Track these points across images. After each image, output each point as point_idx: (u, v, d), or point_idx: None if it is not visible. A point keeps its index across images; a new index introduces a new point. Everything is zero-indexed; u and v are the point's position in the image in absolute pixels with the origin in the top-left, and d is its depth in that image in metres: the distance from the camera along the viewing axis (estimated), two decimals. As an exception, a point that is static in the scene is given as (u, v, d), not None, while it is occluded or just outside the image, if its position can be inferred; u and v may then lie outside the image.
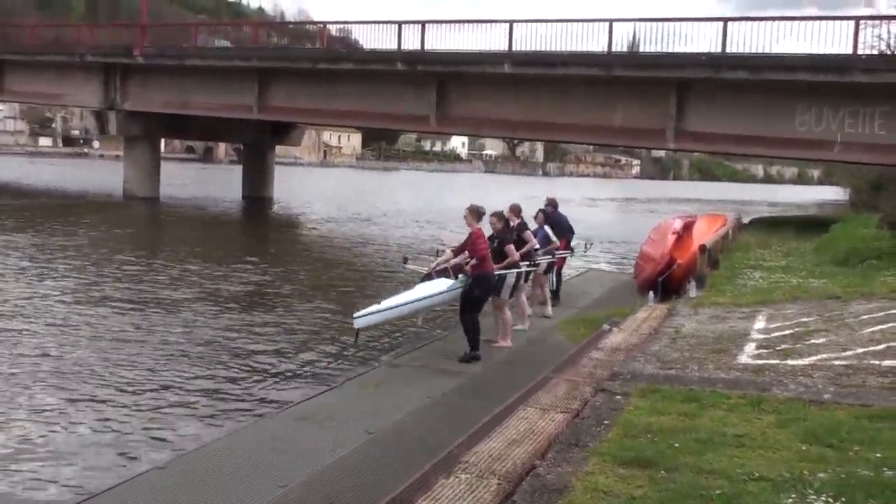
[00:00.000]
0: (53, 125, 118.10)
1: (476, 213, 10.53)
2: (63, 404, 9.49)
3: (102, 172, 63.23)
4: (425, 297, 10.59)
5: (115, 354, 11.69)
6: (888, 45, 31.40)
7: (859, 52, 24.43)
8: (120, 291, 16.65)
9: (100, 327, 13.40)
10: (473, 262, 10.38)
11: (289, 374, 11.25)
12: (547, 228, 13.49)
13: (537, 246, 12.42)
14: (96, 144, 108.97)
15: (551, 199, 15.02)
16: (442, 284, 10.76)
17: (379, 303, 10.19)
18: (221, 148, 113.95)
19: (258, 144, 47.24)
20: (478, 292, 10.45)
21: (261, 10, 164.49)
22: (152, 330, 13.31)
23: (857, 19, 25.01)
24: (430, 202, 53.48)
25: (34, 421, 8.93)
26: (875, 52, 27.71)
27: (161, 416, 9.26)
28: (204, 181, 63.33)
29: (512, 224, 11.77)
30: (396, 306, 10.30)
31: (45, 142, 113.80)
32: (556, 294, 14.82)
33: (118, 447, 8.31)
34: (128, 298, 15.93)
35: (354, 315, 9.97)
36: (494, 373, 9.84)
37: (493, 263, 10.58)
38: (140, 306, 15.24)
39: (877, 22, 29.74)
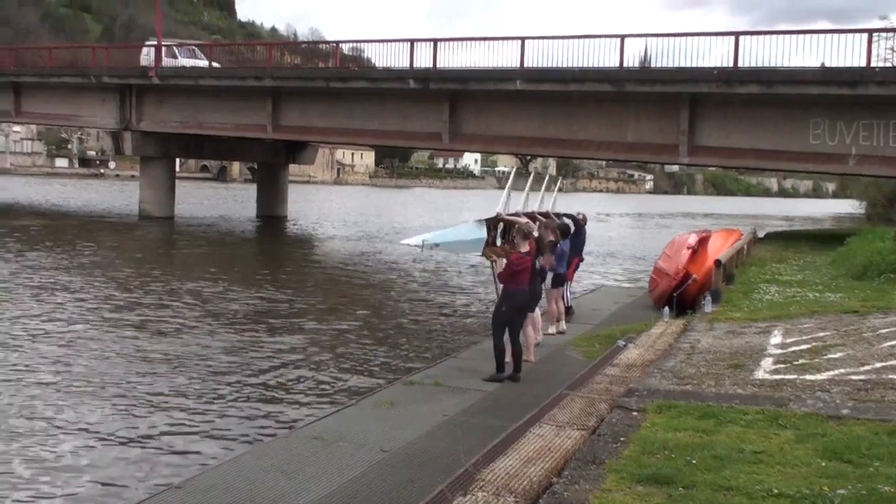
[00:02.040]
0: (70, 146, 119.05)
1: (521, 233, 10.59)
2: (78, 422, 9.52)
3: (118, 192, 63.68)
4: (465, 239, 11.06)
5: (129, 373, 11.74)
6: (902, 58, 31.31)
7: (873, 64, 24.35)
8: (136, 311, 16.73)
9: (114, 345, 13.46)
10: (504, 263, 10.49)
11: (304, 392, 11.26)
12: (564, 244, 13.31)
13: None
14: (112, 165, 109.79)
15: (582, 214, 15.08)
16: (477, 232, 11.12)
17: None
18: (236, 167, 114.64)
19: (272, 163, 47.50)
20: (504, 308, 10.42)
21: (274, 30, 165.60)
22: (166, 349, 13.35)
23: (870, 32, 24.95)
24: (443, 220, 53.51)
25: (49, 439, 8.96)
26: (889, 64, 27.63)
27: (176, 435, 9.28)
28: (219, 200, 63.59)
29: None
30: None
31: (61, 163, 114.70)
32: (567, 309, 14.82)
33: (133, 466, 8.33)
34: (142, 318, 16.01)
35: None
36: (509, 390, 9.82)
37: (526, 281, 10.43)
38: (154, 325, 15.31)
39: (890, 34, 29.71)
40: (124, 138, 41.86)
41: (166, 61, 42.27)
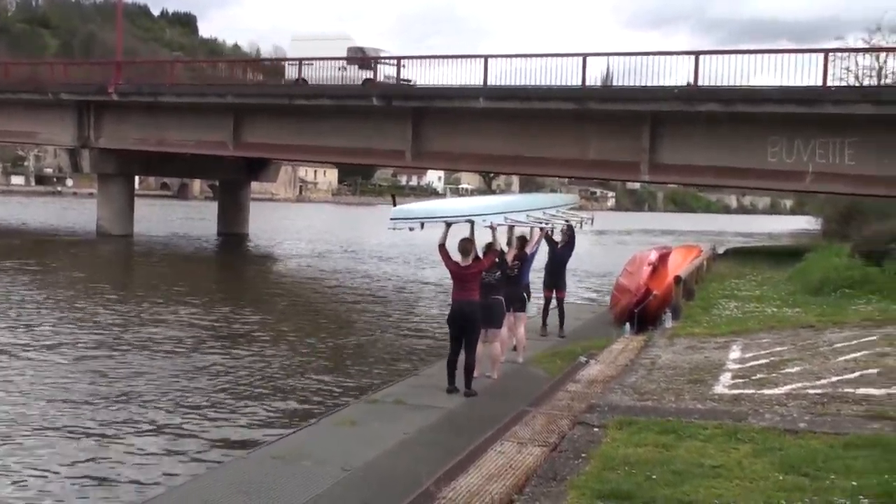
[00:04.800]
0: (26, 163, 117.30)
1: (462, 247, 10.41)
2: (22, 453, 9.32)
3: (76, 210, 62.85)
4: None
5: (82, 397, 11.54)
6: (856, 77, 31.97)
7: (829, 83, 24.75)
8: (89, 333, 16.47)
9: (65, 369, 13.24)
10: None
11: (264, 411, 11.16)
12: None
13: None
14: (70, 182, 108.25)
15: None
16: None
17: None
18: (196, 184, 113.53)
19: (234, 181, 47.15)
20: (448, 316, 10.45)
21: (237, 47, 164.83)
22: (121, 371, 13.16)
23: (826, 52, 25.38)
24: (404, 237, 53.44)
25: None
26: (844, 83, 28.12)
27: (133, 458, 9.15)
28: (178, 218, 63.01)
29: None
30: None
31: (17, 180, 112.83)
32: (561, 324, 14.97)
33: (88, 491, 8.19)
34: (97, 339, 15.77)
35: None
36: (471, 407, 9.79)
37: (475, 293, 10.20)
38: (109, 347, 15.09)
39: (845, 54, 30.29)
40: (82, 156, 41.29)
41: None
